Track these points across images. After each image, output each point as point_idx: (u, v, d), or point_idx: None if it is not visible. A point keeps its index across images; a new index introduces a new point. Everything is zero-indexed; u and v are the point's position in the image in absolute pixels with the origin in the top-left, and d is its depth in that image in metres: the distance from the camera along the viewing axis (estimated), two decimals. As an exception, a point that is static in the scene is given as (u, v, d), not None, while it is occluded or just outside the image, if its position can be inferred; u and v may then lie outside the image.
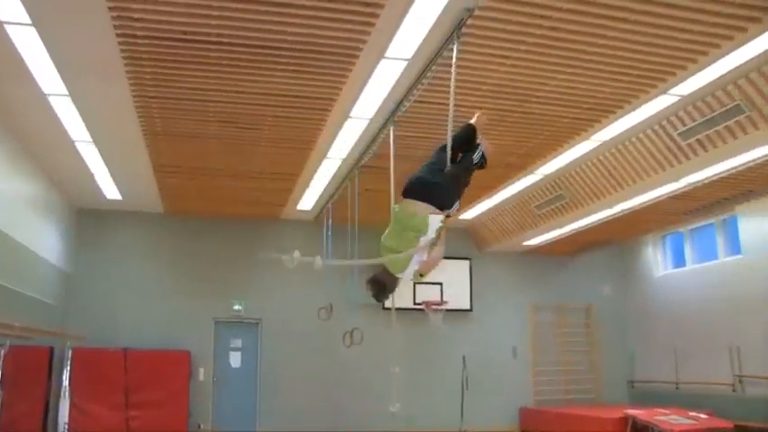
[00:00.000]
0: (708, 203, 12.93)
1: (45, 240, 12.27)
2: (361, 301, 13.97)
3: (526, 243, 15.70)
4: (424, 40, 7.11)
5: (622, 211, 12.64)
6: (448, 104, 6.50)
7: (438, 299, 15.22)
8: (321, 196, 13.39)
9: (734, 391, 13.70)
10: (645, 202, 12.15)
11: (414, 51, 7.37)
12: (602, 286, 17.32)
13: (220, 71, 7.73)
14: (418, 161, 10.82)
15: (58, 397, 12.84)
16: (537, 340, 16.58)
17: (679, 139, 9.62)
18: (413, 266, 5.06)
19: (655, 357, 16.17)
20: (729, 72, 7.98)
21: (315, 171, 11.77)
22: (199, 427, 13.99)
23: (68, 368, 12.99)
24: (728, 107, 8.60)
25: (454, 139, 5.71)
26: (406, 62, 7.64)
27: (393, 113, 9.02)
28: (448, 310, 15.11)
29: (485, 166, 5.79)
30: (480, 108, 6.88)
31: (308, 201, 13.74)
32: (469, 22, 6.66)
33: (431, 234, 4.93)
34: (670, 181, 10.92)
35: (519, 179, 12.10)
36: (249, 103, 8.69)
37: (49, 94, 8.51)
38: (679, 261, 16.11)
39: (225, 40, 6.99)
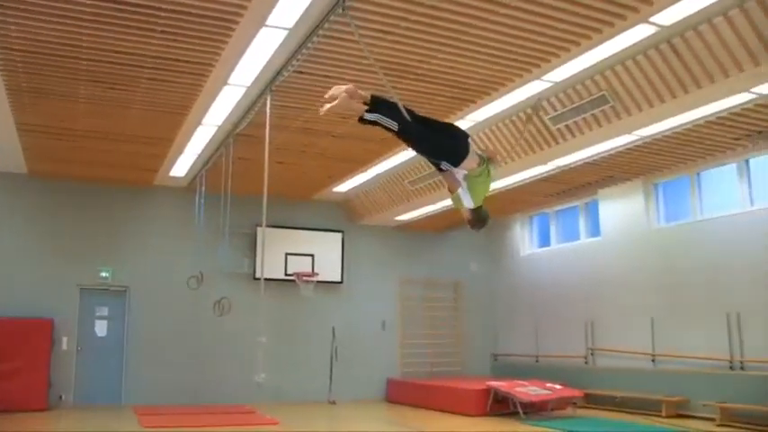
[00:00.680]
0: (573, 187, 13.53)
1: None
2: (231, 270, 13.92)
3: (398, 218, 15.94)
4: (305, 10, 7.05)
5: (492, 190, 12.95)
6: (327, 76, 6.46)
7: (309, 270, 15.26)
8: (195, 163, 13.10)
9: (586, 363, 14.56)
10: (514, 183, 12.58)
11: (295, 21, 7.30)
12: (470, 263, 17.85)
13: (94, 27, 7.37)
14: (294, 132, 10.91)
15: None
16: (405, 314, 16.91)
17: (549, 124, 10.00)
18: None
19: (518, 332, 16.88)
20: (597, 63, 8.39)
21: (189, 137, 11.49)
22: (60, 398, 13.48)
23: None
24: (595, 96, 9.03)
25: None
26: (287, 31, 7.55)
27: (271, 82, 8.92)
28: (319, 282, 15.18)
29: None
30: (358, 82, 6.88)
31: (181, 167, 13.41)
32: (352, -5, 6.66)
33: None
34: (539, 163, 11.36)
35: (394, 155, 12.22)
36: (123, 63, 8.36)
37: None
38: (544, 241, 16.82)
39: (99, -5, 6.69)
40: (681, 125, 9.47)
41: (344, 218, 16.58)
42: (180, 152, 12.37)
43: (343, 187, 14.83)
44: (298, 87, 9.01)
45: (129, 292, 14.49)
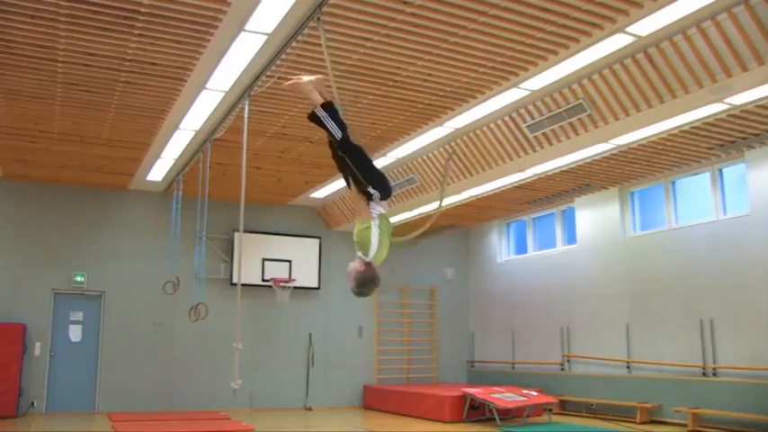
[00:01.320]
0: (550, 194, 13.60)
1: None
2: (207, 275, 13.84)
3: (376, 225, 15.87)
4: (285, 15, 7.04)
5: (470, 197, 13.08)
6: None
7: (286, 276, 15.21)
8: (172, 168, 13.02)
9: (562, 369, 14.64)
10: (492, 190, 12.62)
11: (274, 26, 7.29)
12: (446, 269, 17.89)
13: (70, 30, 7.30)
14: (271, 137, 10.89)
15: None
16: (381, 320, 16.90)
17: (527, 132, 10.06)
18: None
19: (494, 339, 16.94)
20: (575, 72, 8.47)
21: (166, 142, 11.42)
22: (32, 405, 13.30)
23: None
24: (572, 105, 9.10)
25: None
26: (266, 37, 7.55)
27: (249, 88, 8.90)
28: (296, 288, 15.17)
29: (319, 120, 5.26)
30: (336, 89, 6.89)
31: (157, 172, 13.32)
32: (332, 1, 6.66)
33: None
34: (516, 171, 11.41)
35: (372, 161, 12.22)
36: (100, 66, 8.29)
37: None
38: (521, 248, 16.89)
39: (77, -3, 6.64)
40: (656, 134, 9.55)
41: (322, 224, 16.55)
42: (157, 156, 12.29)
43: (320, 193, 14.81)
44: (275, 93, 9.00)
45: (104, 297, 14.34)
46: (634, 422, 12.20)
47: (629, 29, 7.29)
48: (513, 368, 16.07)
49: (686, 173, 12.36)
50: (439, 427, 12.57)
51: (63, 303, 14.11)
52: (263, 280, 15.04)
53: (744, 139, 9.98)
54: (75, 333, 14.19)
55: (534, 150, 10.30)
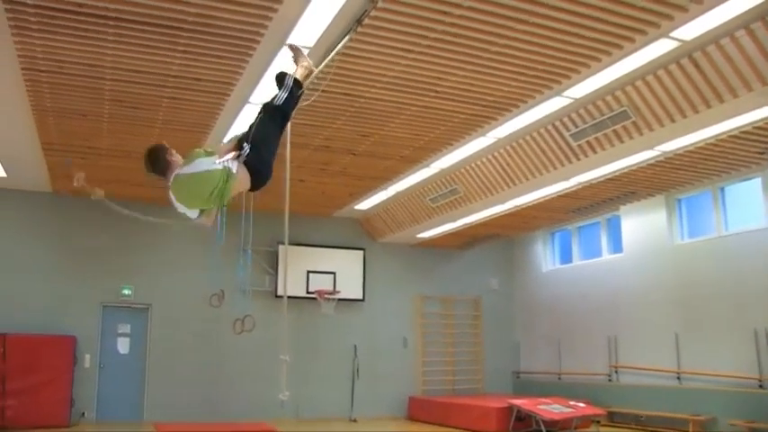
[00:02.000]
0: (594, 203, 13.43)
1: None
2: (252, 287, 13.94)
3: (419, 235, 15.91)
4: (326, 28, 7.09)
5: (514, 206, 13.00)
6: (347, 94, 6.47)
7: (331, 288, 15.27)
8: (217, 181, 13.12)
9: (609, 380, 14.41)
10: (536, 200, 12.53)
11: (316, 39, 7.34)
12: (491, 279, 17.78)
13: (117, 48, 7.46)
14: (315, 150, 10.95)
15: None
16: (426, 331, 16.84)
17: (570, 140, 9.96)
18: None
19: (539, 349, 16.76)
20: (618, 79, 8.36)
21: (211, 156, 11.54)
22: (83, 415, 13.53)
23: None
24: (616, 112, 8.99)
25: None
26: (308, 50, 7.59)
27: (292, 101, 8.94)
28: (340, 300, 15.22)
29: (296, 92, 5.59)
30: (378, 100, 6.89)
31: (202, 185, 13.43)
32: (373, 13, 6.69)
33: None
34: (560, 180, 11.30)
35: (414, 172, 12.24)
36: (145, 83, 8.44)
37: (-72, 62, 8.03)
38: (566, 257, 16.71)
39: (123, 16, 6.75)
40: (703, 140, 9.38)
41: (365, 235, 16.59)
42: (202, 170, 12.41)
43: (364, 205, 14.85)
44: (318, 106, 9.04)
45: (151, 310, 14.55)
46: (685, 434, 11.96)
47: (673, 33, 7.17)
48: (559, 378, 15.87)
49: (735, 178, 12.10)
50: (485, 438, 12.48)
51: (111, 316, 14.34)
52: (308, 292, 15.11)
53: (795, 143, 9.76)
54: (123, 345, 14.42)
55: (578, 159, 10.20)
